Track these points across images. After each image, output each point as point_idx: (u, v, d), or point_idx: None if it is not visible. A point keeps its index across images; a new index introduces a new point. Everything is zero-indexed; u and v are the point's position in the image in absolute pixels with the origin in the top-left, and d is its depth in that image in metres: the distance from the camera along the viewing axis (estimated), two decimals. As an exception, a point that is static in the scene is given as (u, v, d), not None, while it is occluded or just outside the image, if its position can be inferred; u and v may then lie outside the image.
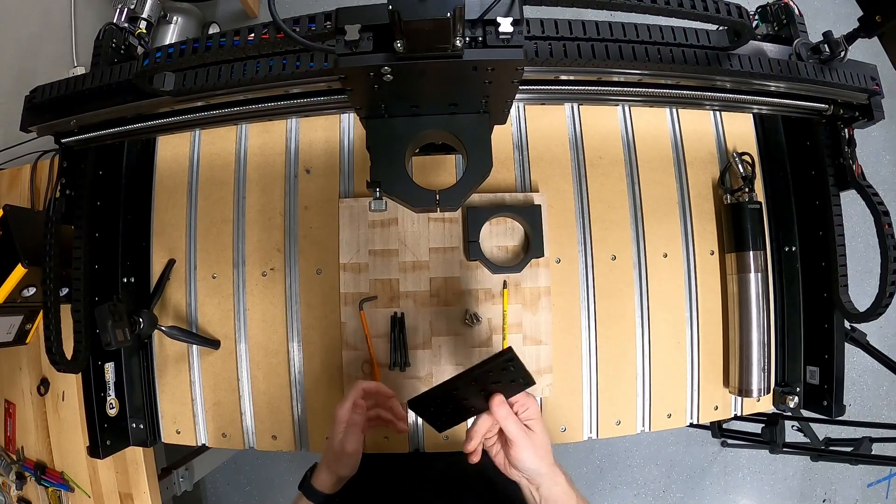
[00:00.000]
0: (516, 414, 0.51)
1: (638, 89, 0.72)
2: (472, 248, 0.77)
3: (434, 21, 0.37)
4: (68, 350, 0.72)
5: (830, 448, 1.27)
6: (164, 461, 1.04)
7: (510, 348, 0.47)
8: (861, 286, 0.88)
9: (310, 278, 0.82)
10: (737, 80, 0.66)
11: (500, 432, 0.52)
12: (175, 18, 1.66)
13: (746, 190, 0.80)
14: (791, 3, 0.74)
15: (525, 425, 0.51)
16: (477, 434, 0.51)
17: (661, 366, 0.81)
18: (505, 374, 0.49)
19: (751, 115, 0.86)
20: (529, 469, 0.52)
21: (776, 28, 0.75)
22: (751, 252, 0.78)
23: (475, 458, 0.53)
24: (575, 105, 0.84)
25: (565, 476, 0.54)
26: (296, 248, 0.82)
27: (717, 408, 0.83)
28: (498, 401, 0.50)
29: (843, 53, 0.65)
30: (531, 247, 0.78)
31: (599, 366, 0.80)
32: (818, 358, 0.79)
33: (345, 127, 0.84)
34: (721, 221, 0.83)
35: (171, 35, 1.66)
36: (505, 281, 0.79)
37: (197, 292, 0.84)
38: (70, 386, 0.89)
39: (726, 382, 0.83)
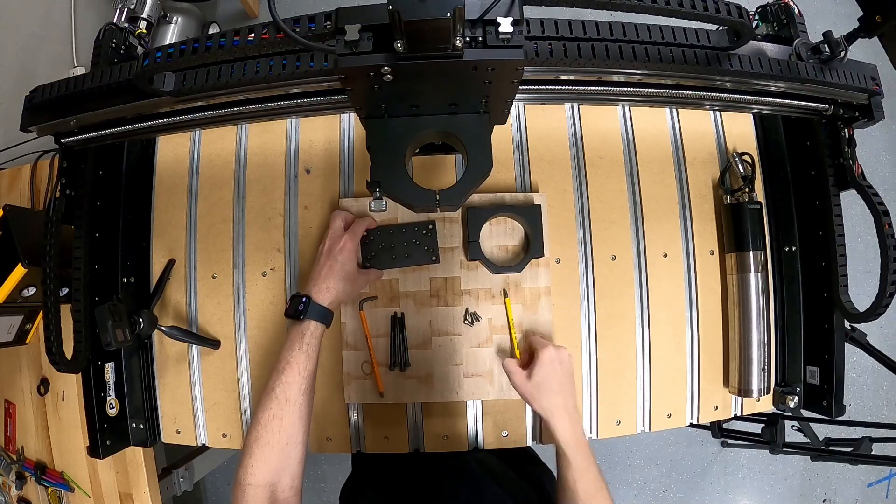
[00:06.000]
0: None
1: (638, 89, 0.72)
2: (472, 248, 0.77)
3: (434, 21, 0.37)
4: (68, 350, 0.72)
5: (830, 448, 1.27)
6: (164, 461, 1.04)
7: None
8: (861, 286, 0.88)
9: (310, 278, 0.82)
10: (737, 80, 0.66)
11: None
12: (175, 18, 1.66)
13: (746, 190, 0.80)
14: (791, 3, 0.74)
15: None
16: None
17: (661, 366, 0.81)
18: None
19: (751, 115, 0.86)
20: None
21: (776, 28, 0.75)
22: (751, 252, 0.78)
23: None
24: (575, 105, 0.84)
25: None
26: (296, 248, 0.82)
27: (717, 408, 0.83)
28: None
29: (843, 53, 0.65)
30: (531, 247, 0.78)
31: (599, 366, 0.80)
32: (818, 358, 0.79)
33: (345, 127, 0.84)
34: (721, 221, 0.83)
35: (171, 35, 1.66)
36: (505, 290, 0.79)
37: (197, 292, 0.84)
38: (70, 386, 0.89)
39: (726, 382, 0.83)
